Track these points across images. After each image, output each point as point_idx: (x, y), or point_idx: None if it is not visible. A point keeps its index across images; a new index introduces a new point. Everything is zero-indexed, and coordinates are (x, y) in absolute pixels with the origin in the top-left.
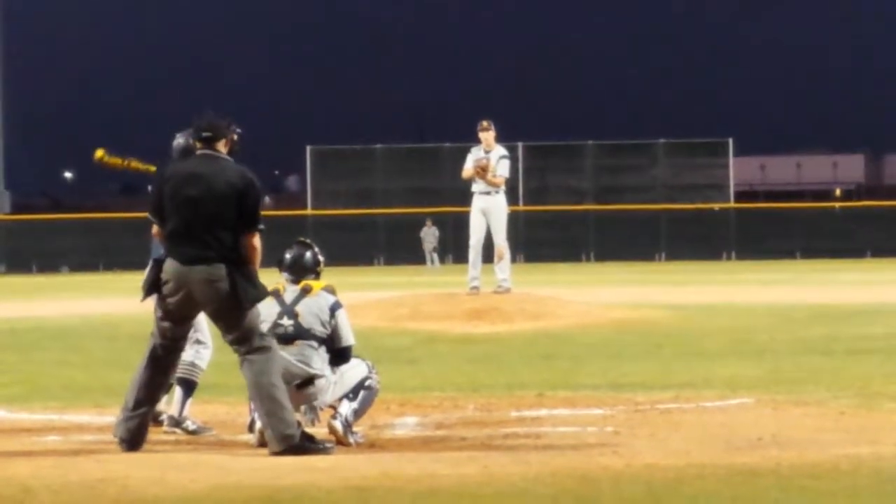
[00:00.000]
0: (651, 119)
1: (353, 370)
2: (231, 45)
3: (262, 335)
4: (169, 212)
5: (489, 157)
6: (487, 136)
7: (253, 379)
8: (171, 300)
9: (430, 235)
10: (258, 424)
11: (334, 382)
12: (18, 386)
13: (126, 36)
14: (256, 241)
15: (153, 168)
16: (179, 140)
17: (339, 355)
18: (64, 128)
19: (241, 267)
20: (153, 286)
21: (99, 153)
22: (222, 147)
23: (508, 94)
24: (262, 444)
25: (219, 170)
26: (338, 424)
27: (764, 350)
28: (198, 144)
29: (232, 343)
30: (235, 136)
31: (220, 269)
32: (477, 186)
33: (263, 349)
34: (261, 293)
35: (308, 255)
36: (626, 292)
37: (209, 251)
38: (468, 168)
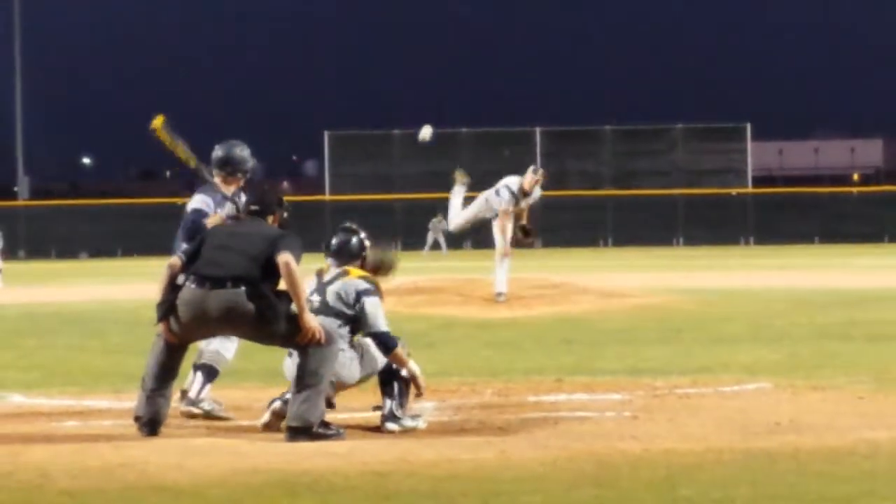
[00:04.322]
0: (669, 104)
1: (375, 350)
2: (249, 32)
3: None
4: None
5: (526, 201)
6: (536, 183)
7: (302, 365)
8: (185, 324)
9: (437, 230)
10: (276, 403)
11: (351, 358)
12: (37, 371)
13: (147, 20)
14: (288, 258)
15: (193, 161)
16: (218, 153)
17: (377, 341)
18: (83, 114)
19: (260, 288)
20: (169, 310)
21: (157, 122)
22: (270, 221)
23: (526, 79)
24: (267, 426)
25: (257, 225)
26: (392, 426)
27: (782, 335)
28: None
29: (287, 347)
30: (286, 214)
31: (240, 292)
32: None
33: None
34: (283, 304)
35: (354, 241)
36: (645, 277)
37: (231, 273)
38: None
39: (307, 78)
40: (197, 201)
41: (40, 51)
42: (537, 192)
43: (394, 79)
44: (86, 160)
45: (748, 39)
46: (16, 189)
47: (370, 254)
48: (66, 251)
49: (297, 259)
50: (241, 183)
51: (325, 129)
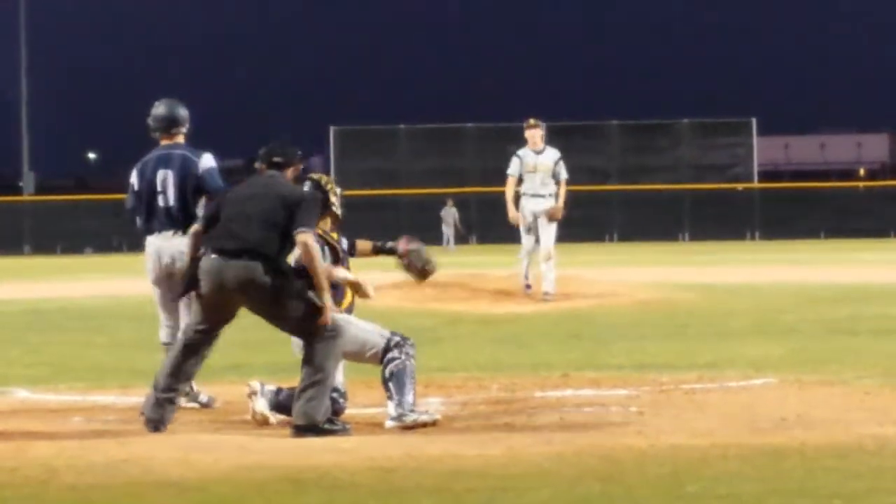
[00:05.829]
0: (675, 99)
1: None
2: (253, 27)
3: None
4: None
5: (538, 160)
6: (534, 134)
7: (307, 359)
8: (207, 296)
9: (448, 216)
10: (258, 404)
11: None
12: (43, 367)
13: (152, 15)
14: (307, 238)
15: None
16: (160, 109)
17: None
18: (88, 109)
19: (277, 262)
20: (191, 283)
21: None
22: (290, 174)
23: (530, 73)
24: (254, 417)
25: (275, 184)
26: (391, 423)
27: (788, 330)
28: (262, 166)
29: (293, 335)
30: (302, 167)
31: (257, 265)
32: (529, 189)
33: (324, 336)
34: (299, 282)
35: (307, 185)
36: (651, 272)
37: (248, 246)
38: (510, 189)
39: (312, 72)
40: (212, 159)
41: (46, 46)
42: (552, 154)
43: (399, 73)
44: (91, 155)
45: (754, 33)
46: (21, 184)
47: (412, 254)
48: (72, 246)
49: (314, 223)
50: (182, 139)
51: (331, 124)
